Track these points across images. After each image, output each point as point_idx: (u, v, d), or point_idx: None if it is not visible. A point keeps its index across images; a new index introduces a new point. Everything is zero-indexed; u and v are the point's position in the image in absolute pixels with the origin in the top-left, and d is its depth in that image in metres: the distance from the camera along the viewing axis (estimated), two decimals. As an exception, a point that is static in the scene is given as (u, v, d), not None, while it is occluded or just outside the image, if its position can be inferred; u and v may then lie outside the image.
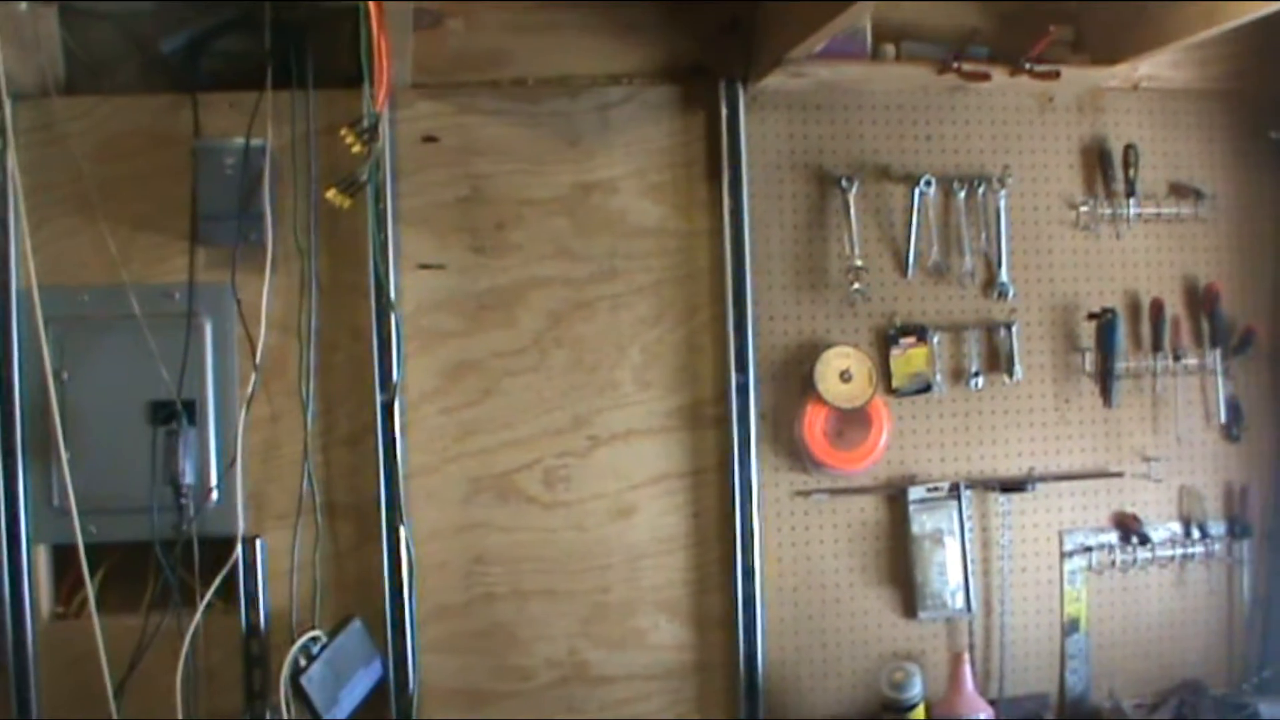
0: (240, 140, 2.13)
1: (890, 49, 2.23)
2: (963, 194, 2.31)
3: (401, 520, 2.15)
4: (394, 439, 2.15)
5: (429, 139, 2.21)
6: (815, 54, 2.14)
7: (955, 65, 2.20)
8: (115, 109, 2.17)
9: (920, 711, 2.22)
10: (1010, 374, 2.33)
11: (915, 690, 2.21)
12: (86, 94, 2.18)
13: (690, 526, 2.24)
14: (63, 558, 2.17)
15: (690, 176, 2.24)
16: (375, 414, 2.15)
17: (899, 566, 2.30)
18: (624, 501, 2.23)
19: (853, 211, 2.26)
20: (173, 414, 2.12)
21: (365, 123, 2.03)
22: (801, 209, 2.27)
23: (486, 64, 2.23)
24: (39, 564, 2.15)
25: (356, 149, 2.03)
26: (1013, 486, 2.33)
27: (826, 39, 2.04)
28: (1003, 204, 2.32)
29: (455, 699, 2.22)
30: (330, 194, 2.03)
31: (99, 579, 2.12)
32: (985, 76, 2.21)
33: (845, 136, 2.28)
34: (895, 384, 2.29)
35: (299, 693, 2.06)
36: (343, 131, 2.02)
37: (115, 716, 2.07)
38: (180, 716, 2.09)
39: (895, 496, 2.29)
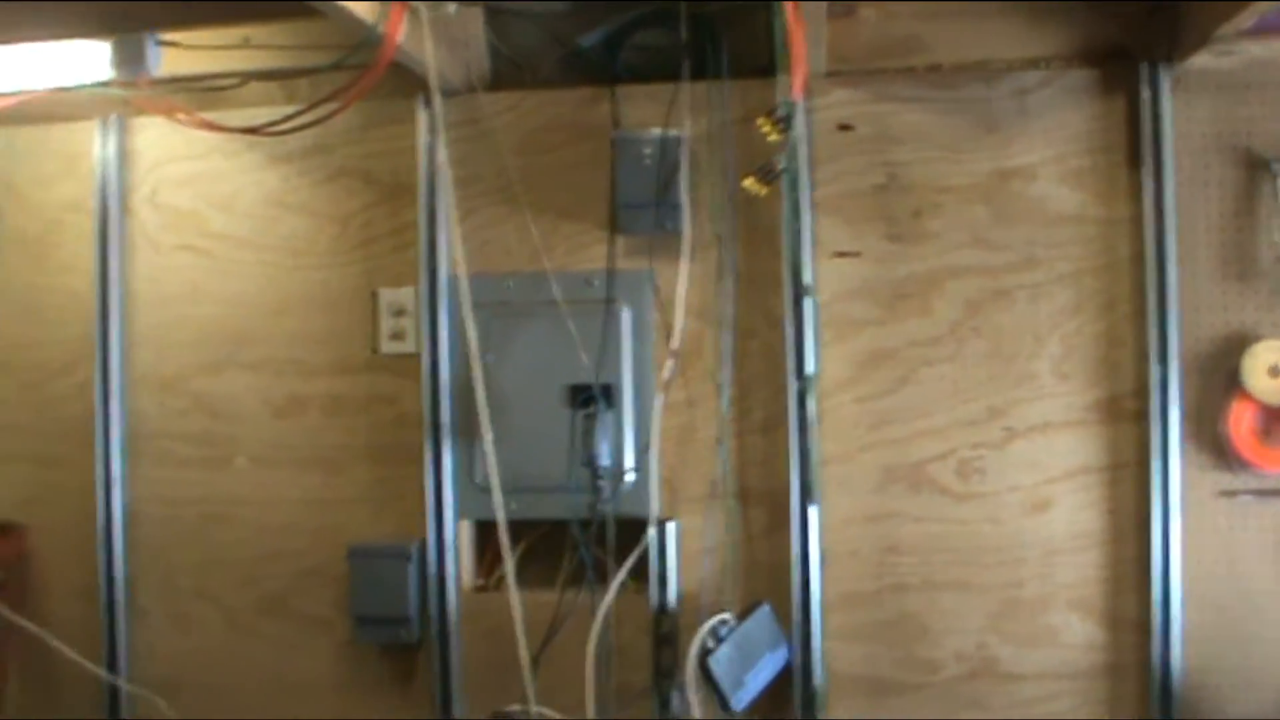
0: (658, 131, 2.46)
1: (1331, 19, 2.42)
2: None
3: (813, 508, 2.47)
4: (808, 426, 2.45)
5: (844, 127, 2.51)
6: (1245, 30, 2.32)
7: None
8: (537, 103, 2.55)
9: (1353, 733, 2.36)
10: None
11: (1347, 710, 2.35)
12: (510, 89, 2.56)
13: (1106, 523, 2.44)
14: (484, 533, 2.55)
15: (1110, 163, 2.44)
16: (789, 401, 2.44)
17: (1333, 575, 2.44)
18: (1039, 495, 2.46)
19: (1285, 197, 2.46)
20: (591, 397, 2.47)
21: (781, 112, 2.34)
22: (1228, 195, 2.44)
23: (901, 51, 2.50)
24: (462, 538, 2.56)
25: (773, 138, 2.31)
26: None
27: (1259, 13, 2.22)
28: None
29: (860, 687, 2.47)
30: (747, 182, 2.31)
31: (518, 554, 2.49)
32: None
33: (1278, 118, 2.45)
34: (1330, 380, 2.46)
35: (706, 673, 2.36)
36: (759, 121, 2.29)
37: (530, 686, 2.42)
38: (591, 690, 2.43)
39: (1330, 499, 2.46)
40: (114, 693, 2.67)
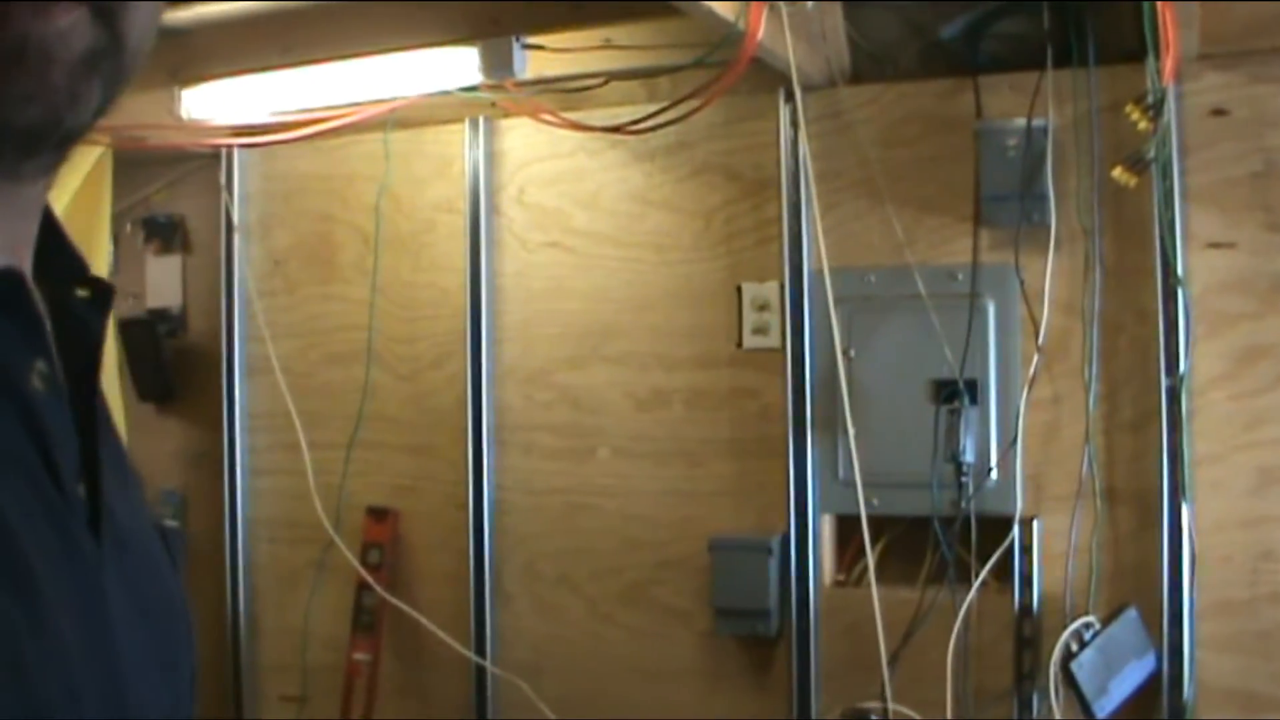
0: (1021, 121, 2.48)
1: None
2: None
3: (1185, 508, 2.46)
4: (1179, 425, 2.44)
5: (1218, 112, 2.46)
6: None
7: None
8: (898, 95, 2.62)
9: None
10: None
11: None
12: (870, 82, 2.64)
13: None
14: (845, 528, 2.64)
15: None
16: (1160, 398, 2.44)
17: None
18: None
19: None
20: (955, 393, 2.52)
21: (1150, 98, 2.36)
22: None
23: (1280, 30, 2.53)
24: (824, 532, 2.66)
25: (1142, 125, 2.34)
26: None
27: None
28: None
29: (1233, 701, 2.43)
30: (1116, 172, 2.34)
31: (878, 550, 2.58)
32: None
33: None
34: None
35: (1068, 679, 2.38)
36: (1127, 108, 2.32)
37: (888, 684, 2.51)
38: (949, 690, 2.49)
39: None
40: (480, 673, 2.88)
